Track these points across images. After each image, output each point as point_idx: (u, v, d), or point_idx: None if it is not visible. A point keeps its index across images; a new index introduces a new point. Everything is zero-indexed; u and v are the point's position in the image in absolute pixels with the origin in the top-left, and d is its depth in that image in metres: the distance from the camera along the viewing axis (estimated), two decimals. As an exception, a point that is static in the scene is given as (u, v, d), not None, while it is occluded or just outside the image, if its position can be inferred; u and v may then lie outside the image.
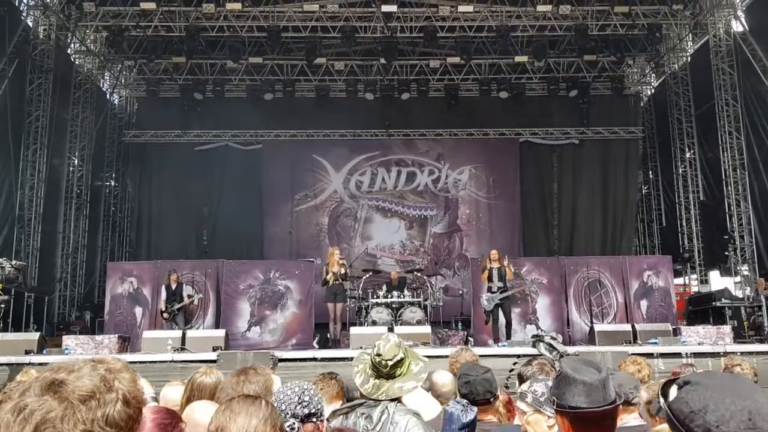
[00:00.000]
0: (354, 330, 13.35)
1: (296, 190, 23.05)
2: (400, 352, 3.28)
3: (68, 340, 13.55)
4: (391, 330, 13.49)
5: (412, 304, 15.54)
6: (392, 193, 22.89)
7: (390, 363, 3.34)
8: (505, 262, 14.16)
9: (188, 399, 3.73)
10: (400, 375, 3.36)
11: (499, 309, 13.97)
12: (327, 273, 14.38)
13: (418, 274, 18.74)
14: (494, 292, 14.04)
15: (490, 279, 14.13)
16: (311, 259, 17.59)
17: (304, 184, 23.06)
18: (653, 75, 24.57)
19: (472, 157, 23.20)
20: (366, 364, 3.33)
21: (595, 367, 2.69)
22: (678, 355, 11.06)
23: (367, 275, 17.51)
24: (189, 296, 15.65)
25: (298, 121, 22.67)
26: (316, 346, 14.33)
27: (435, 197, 23.05)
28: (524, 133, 23.58)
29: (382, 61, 21.23)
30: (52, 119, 19.76)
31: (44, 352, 12.26)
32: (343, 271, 14.35)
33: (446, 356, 6.12)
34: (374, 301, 15.65)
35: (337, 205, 22.92)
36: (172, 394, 4.04)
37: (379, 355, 3.36)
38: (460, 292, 19.70)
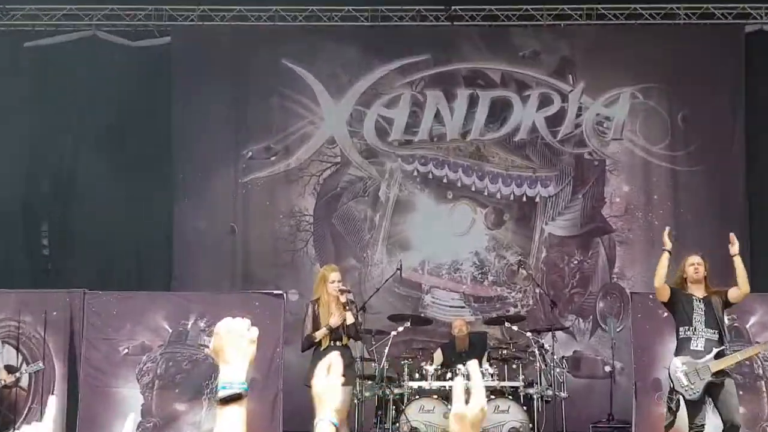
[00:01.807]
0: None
1: (246, 139, 11.45)
2: None
3: None
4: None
5: (499, 394, 8.33)
6: (457, 146, 11.30)
7: None
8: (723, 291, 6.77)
9: None
10: None
11: (708, 397, 6.69)
12: (313, 321, 7.60)
13: (514, 328, 9.28)
14: (699, 354, 6.64)
15: (683, 321, 6.80)
16: (277, 291, 9.11)
17: (263, 125, 11.56)
18: None
19: (636, 68, 11.19)
20: None
21: None
22: None
23: (401, 328, 8.97)
24: (9, 370, 8.77)
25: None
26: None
27: (554, 156, 11.31)
28: (757, 15, 11.12)
29: None
30: None
31: None
32: (349, 318, 7.48)
33: None
34: (416, 385, 8.43)
35: (334, 171, 11.36)
36: None
37: None
38: (607, 368, 10.04)
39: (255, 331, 2.13)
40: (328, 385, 2.14)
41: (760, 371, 8.12)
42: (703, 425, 6.82)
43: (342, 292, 7.54)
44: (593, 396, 10.06)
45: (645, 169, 11.13)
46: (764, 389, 8.39)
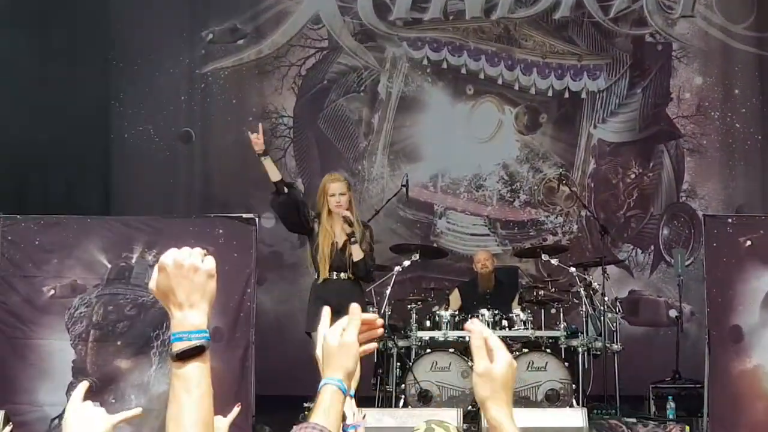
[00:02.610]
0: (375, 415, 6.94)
1: (205, 17, 10.06)
2: None
3: None
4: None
5: (534, 346, 7.88)
6: (479, 26, 10.06)
7: None
8: None
9: None
10: None
11: None
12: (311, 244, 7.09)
13: (553, 262, 8.13)
14: None
15: None
16: (247, 215, 7.53)
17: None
18: None
19: None
20: None
21: None
22: None
23: (408, 262, 7.89)
24: None
25: None
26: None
27: (604, 39, 10.09)
28: None
29: None
30: None
31: None
32: (355, 253, 6.74)
33: None
34: (426, 336, 7.91)
35: (319, 60, 10.17)
36: None
37: None
38: (673, 312, 9.01)
39: (211, 262, 1.96)
40: (343, 343, 1.99)
41: None
42: None
43: (346, 220, 6.60)
44: (655, 349, 9.13)
45: (724, 55, 9.78)
46: None
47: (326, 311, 2.06)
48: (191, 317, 1.87)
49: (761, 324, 7.54)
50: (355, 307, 1.99)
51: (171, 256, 1.92)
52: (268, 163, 6.74)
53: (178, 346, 1.87)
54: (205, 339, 1.90)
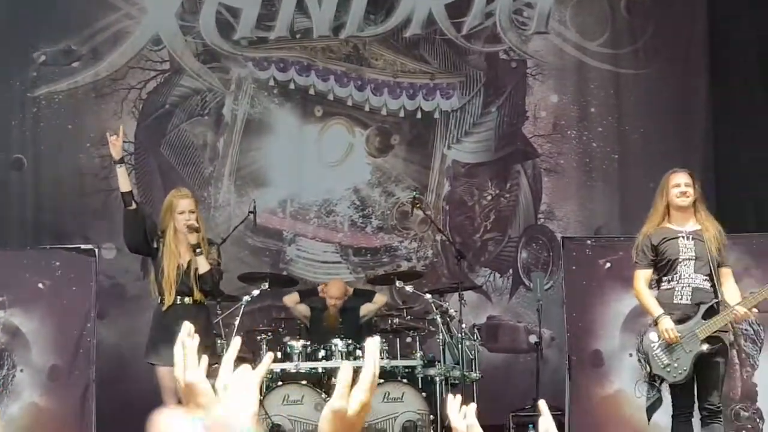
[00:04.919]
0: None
1: (36, 38, 9.47)
2: None
3: None
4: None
5: (389, 376, 7.88)
6: (327, 45, 9.89)
7: None
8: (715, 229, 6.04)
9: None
10: None
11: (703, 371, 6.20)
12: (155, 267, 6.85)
13: (408, 288, 7.98)
14: (687, 311, 5.96)
15: (665, 269, 6.03)
16: (86, 246, 7.96)
17: (60, 18, 9.57)
18: None
19: None
20: None
21: None
22: None
23: (257, 291, 7.66)
24: None
25: None
26: None
27: (457, 57, 9.95)
28: None
29: None
30: None
31: None
32: (201, 265, 6.55)
33: None
34: (278, 368, 7.80)
35: (161, 82, 9.68)
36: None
37: None
38: (533, 338, 9.03)
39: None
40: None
41: (731, 337, 6.69)
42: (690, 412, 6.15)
43: (191, 229, 6.35)
44: (514, 375, 9.10)
45: (579, 72, 9.66)
46: (737, 361, 7.43)
47: (236, 342, 1.83)
48: None
49: (621, 347, 7.41)
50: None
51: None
52: (121, 172, 6.53)
53: None
54: None
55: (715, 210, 8.94)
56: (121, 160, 6.50)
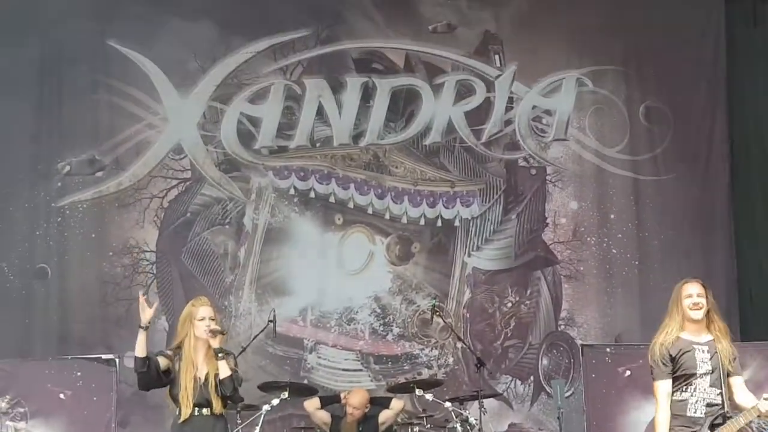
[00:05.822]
0: None
1: (60, 149, 9.71)
2: None
3: None
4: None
5: None
6: (347, 153, 10.04)
7: None
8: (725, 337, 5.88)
9: None
10: None
11: None
12: (178, 379, 6.28)
13: (428, 396, 7.94)
14: (699, 424, 5.67)
15: (680, 380, 5.77)
16: (107, 355, 8.30)
17: (84, 129, 9.75)
18: None
19: (583, 45, 10.26)
20: None
21: None
22: None
23: (277, 401, 7.69)
24: None
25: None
26: None
27: (477, 165, 10.12)
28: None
29: None
30: None
31: None
32: (222, 370, 6.06)
33: None
34: None
35: (182, 191, 9.85)
36: None
37: None
38: None
39: None
40: None
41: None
42: None
43: (214, 333, 6.19)
44: None
45: (598, 178, 9.81)
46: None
47: None
48: None
49: (641, 455, 7.42)
50: None
51: None
52: (142, 337, 6.41)
53: None
54: None
55: (738, 316, 9.13)
56: (146, 327, 6.47)
